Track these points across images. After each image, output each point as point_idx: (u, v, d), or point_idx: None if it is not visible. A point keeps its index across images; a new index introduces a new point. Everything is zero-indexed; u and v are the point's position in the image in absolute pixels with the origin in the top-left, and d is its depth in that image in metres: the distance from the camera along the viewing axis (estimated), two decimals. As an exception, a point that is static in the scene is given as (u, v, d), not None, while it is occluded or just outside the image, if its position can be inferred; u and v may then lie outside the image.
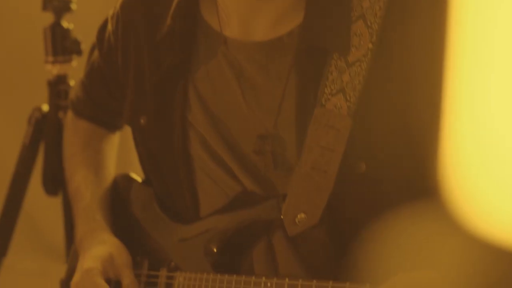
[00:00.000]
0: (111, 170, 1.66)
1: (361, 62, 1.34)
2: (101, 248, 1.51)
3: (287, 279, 1.35)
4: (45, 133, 2.28)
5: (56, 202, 2.37)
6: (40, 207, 2.94)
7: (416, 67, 1.35)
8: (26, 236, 3.62)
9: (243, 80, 1.41)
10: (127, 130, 1.60)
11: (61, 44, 2.25)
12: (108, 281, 1.48)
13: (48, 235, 3.57)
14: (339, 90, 1.34)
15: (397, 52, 1.35)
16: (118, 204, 1.61)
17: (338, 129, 1.34)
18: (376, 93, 1.35)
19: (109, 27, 1.57)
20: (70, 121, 1.72)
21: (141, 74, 1.50)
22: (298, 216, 1.36)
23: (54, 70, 2.27)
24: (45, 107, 2.27)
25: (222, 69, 1.43)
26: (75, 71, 2.12)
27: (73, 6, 2.17)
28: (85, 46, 2.06)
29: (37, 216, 3.60)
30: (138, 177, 1.62)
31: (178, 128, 1.46)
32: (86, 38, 1.99)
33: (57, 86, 2.28)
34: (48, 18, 2.26)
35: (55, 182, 2.25)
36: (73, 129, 1.70)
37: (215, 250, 1.42)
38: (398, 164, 1.37)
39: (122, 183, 1.63)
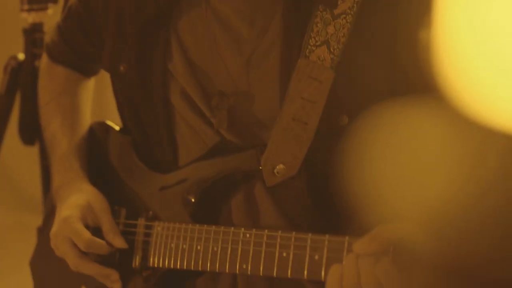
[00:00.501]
0: (87, 117, 1.63)
1: (346, 15, 1.32)
2: (78, 196, 1.48)
3: (266, 231, 1.32)
4: (21, 82, 2.24)
5: (33, 153, 2.33)
6: (16, 159, 2.91)
7: (402, 21, 1.32)
8: (2, 188, 3.58)
9: (227, 31, 1.38)
10: (103, 76, 1.56)
11: (36, -9, 2.20)
12: (86, 227, 1.45)
13: (25, 187, 3.53)
14: (324, 42, 1.32)
15: (383, 5, 1.33)
16: (95, 152, 1.58)
17: (321, 81, 1.32)
18: (360, 47, 1.33)
19: None
20: (45, 66, 1.67)
21: (122, 20, 1.46)
22: (277, 167, 1.34)
23: (29, 18, 2.23)
24: (21, 56, 2.23)
25: (205, 19, 1.39)
26: (51, 19, 2.07)
27: (49, -48, 2.12)
28: (61, -6, 2.00)
29: (14, 168, 3.56)
30: (114, 125, 1.58)
31: (159, 77, 1.42)
32: (62, -15, 1.94)
33: (32, 35, 2.23)
34: (23, -36, 2.20)
35: (32, 132, 2.21)
36: (48, 74, 1.66)
37: (193, 200, 1.40)
38: None
39: (99, 131, 1.60)
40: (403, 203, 1.27)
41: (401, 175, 1.29)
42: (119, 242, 1.44)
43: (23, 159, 2.57)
